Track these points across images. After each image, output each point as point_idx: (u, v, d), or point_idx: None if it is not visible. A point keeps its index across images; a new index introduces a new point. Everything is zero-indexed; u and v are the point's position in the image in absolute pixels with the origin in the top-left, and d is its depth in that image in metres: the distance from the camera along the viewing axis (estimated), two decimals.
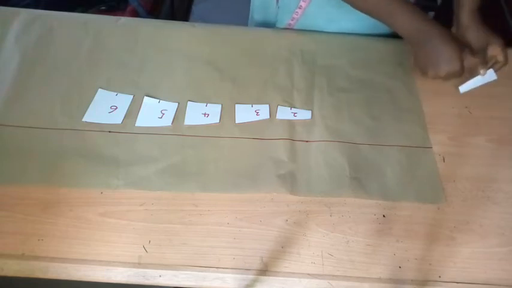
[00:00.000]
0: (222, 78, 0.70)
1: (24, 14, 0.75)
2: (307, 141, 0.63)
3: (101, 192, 0.55)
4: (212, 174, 0.58)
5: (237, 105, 0.66)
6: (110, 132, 0.61)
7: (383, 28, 0.75)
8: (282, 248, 0.53)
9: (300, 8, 0.76)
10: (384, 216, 0.56)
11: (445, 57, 0.61)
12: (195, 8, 1.89)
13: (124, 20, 0.78)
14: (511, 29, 1.27)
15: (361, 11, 0.66)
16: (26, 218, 0.52)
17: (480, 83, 0.65)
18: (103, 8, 1.30)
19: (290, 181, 0.58)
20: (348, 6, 0.67)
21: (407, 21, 0.62)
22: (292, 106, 0.67)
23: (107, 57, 0.71)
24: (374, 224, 0.55)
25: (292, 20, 0.78)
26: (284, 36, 0.78)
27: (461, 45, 0.62)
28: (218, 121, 0.64)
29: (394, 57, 0.73)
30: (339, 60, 0.74)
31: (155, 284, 0.50)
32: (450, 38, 0.61)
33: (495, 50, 0.65)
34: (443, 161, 0.62)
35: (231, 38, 0.76)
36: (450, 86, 0.71)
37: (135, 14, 1.33)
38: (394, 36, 0.75)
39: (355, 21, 0.77)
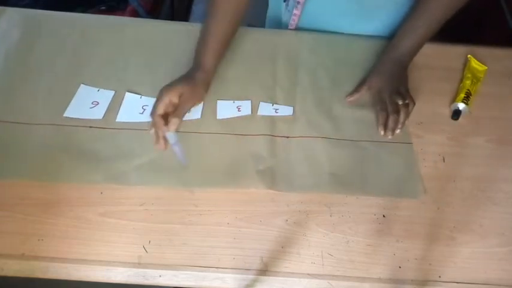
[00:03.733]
0: None
1: (10, 12, 0.75)
2: (287, 137, 0.63)
3: (101, 192, 0.55)
4: (191, 170, 0.58)
5: (218, 101, 0.66)
6: (90, 127, 0.62)
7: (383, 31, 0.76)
8: (282, 248, 0.53)
9: (297, 9, 0.76)
10: (383, 216, 0.56)
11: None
12: (195, 8, 1.89)
13: (113, 19, 0.78)
14: (511, 29, 1.27)
15: None
16: (26, 218, 0.52)
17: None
18: (103, 8, 1.30)
19: (269, 177, 0.58)
20: (345, 4, 0.67)
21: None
22: (274, 103, 0.67)
23: (93, 55, 0.71)
24: (374, 224, 0.55)
25: (294, 18, 0.78)
26: (270, 34, 0.78)
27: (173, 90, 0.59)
28: (200, 116, 0.64)
29: (376, 55, 0.73)
30: (322, 58, 0.74)
31: (155, 284, 0.50)
32: (179, 80, 0.61)
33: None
34: (443, 161, 0.62)
35: None
36: (449, 86, 0.71)
37: (135, 14, 1.33)
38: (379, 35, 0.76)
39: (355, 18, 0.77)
